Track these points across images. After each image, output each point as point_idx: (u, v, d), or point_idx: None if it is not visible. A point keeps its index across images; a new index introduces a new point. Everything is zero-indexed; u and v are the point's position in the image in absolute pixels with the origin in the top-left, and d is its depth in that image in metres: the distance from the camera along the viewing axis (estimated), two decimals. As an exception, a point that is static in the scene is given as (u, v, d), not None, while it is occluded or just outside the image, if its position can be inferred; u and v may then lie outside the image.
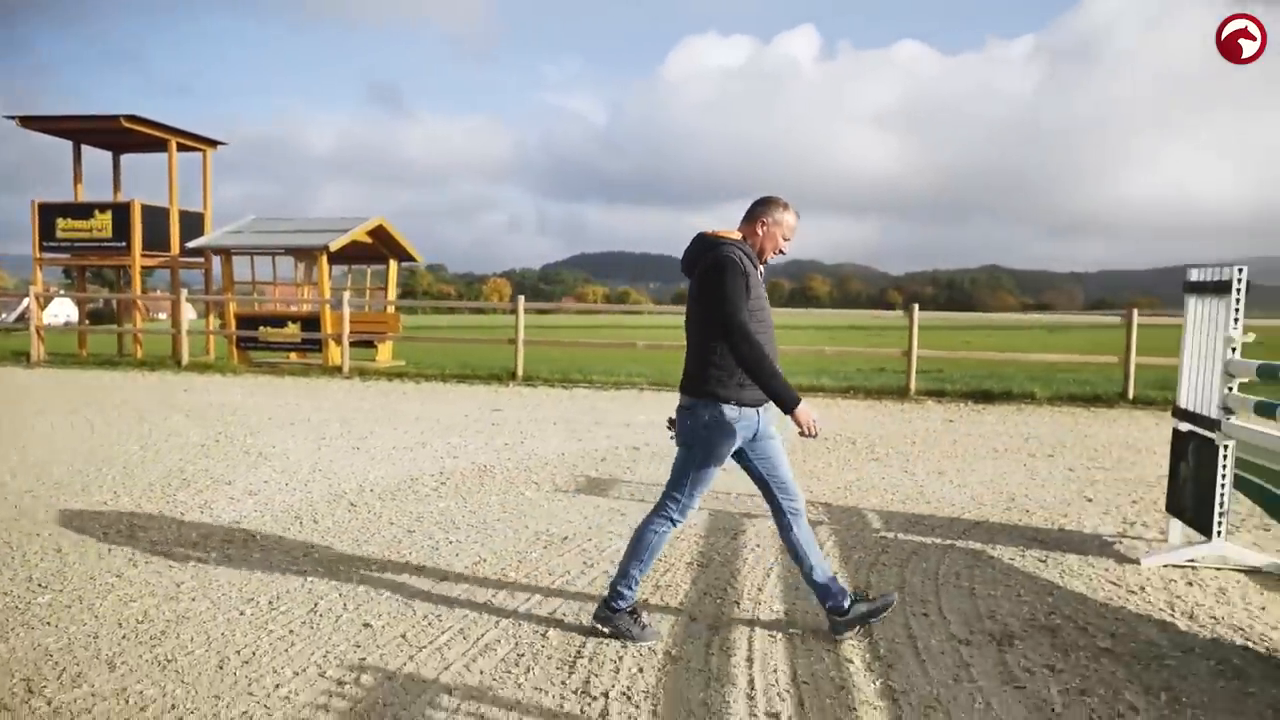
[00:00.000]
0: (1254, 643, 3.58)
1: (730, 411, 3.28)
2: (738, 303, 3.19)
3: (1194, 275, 4.81)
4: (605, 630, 3.50)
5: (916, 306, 12.39)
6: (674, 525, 3.46)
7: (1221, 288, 4.51)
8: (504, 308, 16.08)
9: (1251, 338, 4.41)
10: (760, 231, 3.38)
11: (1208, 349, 4.64)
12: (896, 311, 13.38)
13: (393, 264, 18.29)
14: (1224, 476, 4.48)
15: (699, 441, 3.34)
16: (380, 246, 17.89)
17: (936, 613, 3.86)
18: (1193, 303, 4.83)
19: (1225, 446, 4.46)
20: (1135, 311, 12.01)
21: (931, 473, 7.02)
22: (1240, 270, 4.47)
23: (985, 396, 12.05)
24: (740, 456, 3.44)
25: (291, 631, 3.54)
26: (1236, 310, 4.44)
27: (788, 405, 3.17)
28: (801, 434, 3.19)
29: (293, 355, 16.74)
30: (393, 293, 18.44)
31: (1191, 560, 4.61)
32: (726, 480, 5.35)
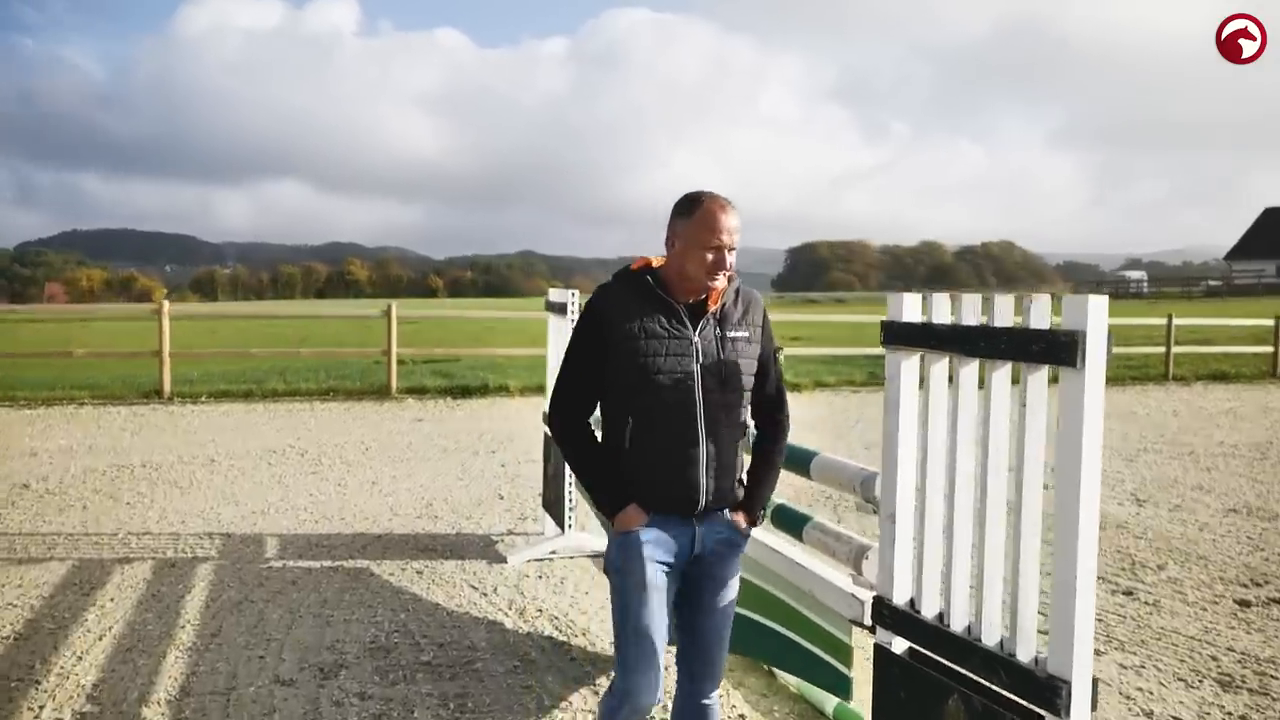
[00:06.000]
0: (560, 630, 4.09)
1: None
2: (563, 377, 2.39)
3: (551, 297, 5.42)
4: None
5: (395, 304, 12.47)
6: (615, 698, 2.36)
7: (563, 309, 5.15)
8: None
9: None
10: (671, 251, 2.35)
11: (556, 362, 5.25)
12: (378, 311, 13.26)
13: None
14: (570, 475, 5.10)
15: (609, 568, 2.41)
16: None
17: (277, 651, 3.79)
18: (551, 321, 5.45)
19: (570, 450, 5.08)
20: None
21: (365, 483, 7.04)
22: (574, 295, 5.12)
23: (464, 392, 12.58)
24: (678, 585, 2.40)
25: None
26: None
27: (607, 513, 2.38)
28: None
29: None
30: None
31: (553, 552, 5.18)
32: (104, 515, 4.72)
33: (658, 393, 2.25)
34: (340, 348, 16.45)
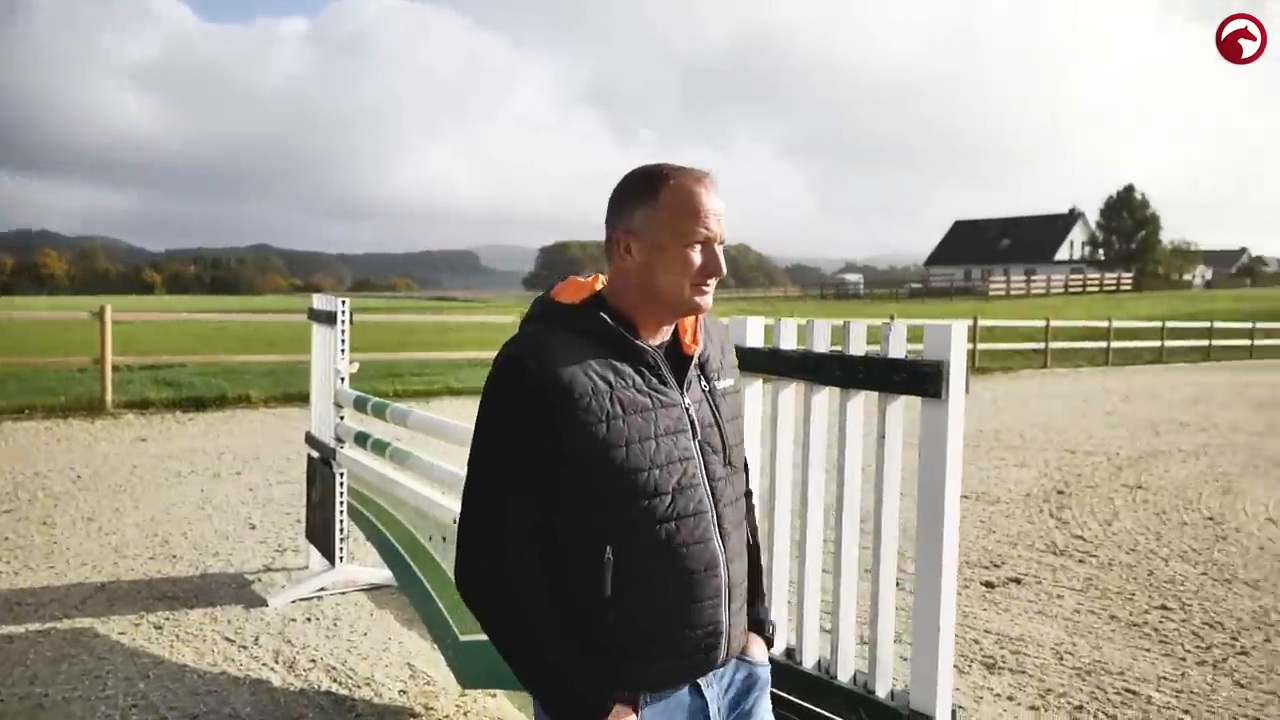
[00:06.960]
0: (339, 682, 3.64)
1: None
2: (483, 502, 1.44)
3: (316, 304, 4.87)
4: None
5: (110, 308, 10.89)
6: None
7: (331, 318, 4.63)
8: None
9: (355, 368, 4.59)
10: (624, 262, 1.48)
11: (326, 377, 4.72)
12: (86, 312, 11.50)
13: None
14: (341, 502, 4.60)
15: None
16: None
17: (-29, 752, 3.04)
18: (316, 331, 4.90)
19: (340, 474, 4.58)
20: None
21: (79, 520, 5.99)
22: (344, 303, 4.63)
23: (197, 404, 11.23)
24: None
25: None
26: (343, 342, 4.60)
27: (558, 711, 1.43)
28: None
29: None
30: None
31: (322, 589, 4.65)
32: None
33: (653, 498, 1.42)
34: (37, 356, 14.13)
